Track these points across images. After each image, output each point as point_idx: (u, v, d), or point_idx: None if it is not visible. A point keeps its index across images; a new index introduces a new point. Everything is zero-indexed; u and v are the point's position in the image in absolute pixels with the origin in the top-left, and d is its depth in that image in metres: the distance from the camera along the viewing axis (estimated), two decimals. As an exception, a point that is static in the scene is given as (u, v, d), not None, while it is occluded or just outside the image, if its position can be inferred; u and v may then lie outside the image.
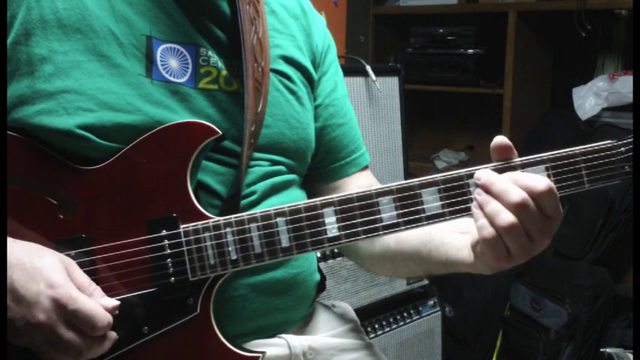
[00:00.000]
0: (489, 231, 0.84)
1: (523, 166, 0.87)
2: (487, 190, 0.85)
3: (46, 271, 0.84)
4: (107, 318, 0.85)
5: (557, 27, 3.03)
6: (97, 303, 0.85)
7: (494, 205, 0.84)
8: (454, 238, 0.99)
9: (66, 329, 0.83)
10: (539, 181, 0.84)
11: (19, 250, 0.85)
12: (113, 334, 0.88)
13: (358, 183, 1.19)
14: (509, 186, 0.84)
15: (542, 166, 0.87)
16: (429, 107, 3.55)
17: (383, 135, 2.22)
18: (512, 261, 0.87)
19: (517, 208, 0.82)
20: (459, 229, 0.98)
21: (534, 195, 0.83)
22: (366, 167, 1.23)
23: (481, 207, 0.85)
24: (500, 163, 0.88)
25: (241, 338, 1.00)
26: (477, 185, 0.86)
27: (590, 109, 2.75)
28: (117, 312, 0.88)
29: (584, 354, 2.53)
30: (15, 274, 0.83)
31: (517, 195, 0.83)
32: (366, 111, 2.16)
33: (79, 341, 0.84)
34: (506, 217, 0.83)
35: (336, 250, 1.92)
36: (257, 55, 1.02)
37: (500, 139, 0.88)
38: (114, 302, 0.88)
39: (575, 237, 2.63)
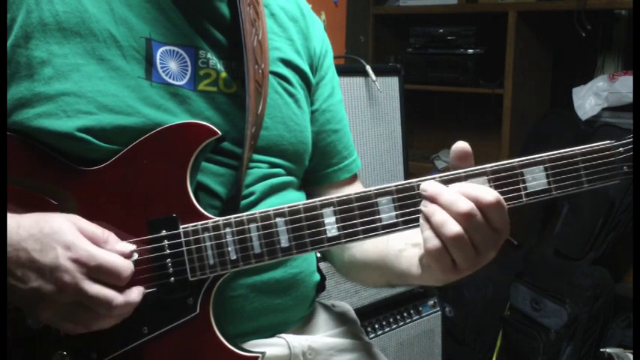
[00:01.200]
0: (435, 242, 0.84)
1: (522, 167, 0.88)
2: (434, 201, 0.85)
3: (58, 235, 0.84)
4: (129, 265, 0.87)
5: (557, 27, 3.03)
6: (115, 252, 0.87)
7: (440, 215, 0.84)
8: (407, 251, 1.00)
9: (92, 284, 0.84)
10: (487, 192, 0.84)
11: (25, 222, 0.86)
12: (140, 288, 0.90)
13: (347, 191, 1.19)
14: (457, 197, 0.84)
15: (541, 167, 0.88)
16: (429, 107, 3.55)
17: (383, 135, 2.22)
18: (458, 272, 0.88)
19: (464, 218, 0.83)
20: (412, 241, 0.99)
21: (481, 206, 0.83)
22: (355, 176, 1.24)
23: (427, 218, 0.85)
24: (499, 163, 0.88)
25: (241, 338, 1.00)
26: (424, 197, 0.86)
27: (590, 109, 2.75)
28: (136, 254, 0.90)
29: (584, 354, 2.53)
30: (29, 245, 0.84)
31: (465, 205, 0.83)
32: (366, 111, 2.16)
33: (107, 293, 0.85)
34: (453, 228, 0.83)
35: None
36: (257, 57, 1.02)
37: (461, 145, 0.88)
38: (130, 247, 0.90)
39: (575, 237, 2.64)
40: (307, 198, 0.95)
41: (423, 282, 0.98)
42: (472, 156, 0.88)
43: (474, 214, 0.83)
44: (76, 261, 0.84)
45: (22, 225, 0.85)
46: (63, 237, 0.84)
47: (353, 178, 1.24)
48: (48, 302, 0.85)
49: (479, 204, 0.83)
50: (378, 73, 2.16)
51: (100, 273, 0.85)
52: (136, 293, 0.88)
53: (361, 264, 1.13)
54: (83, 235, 0.86)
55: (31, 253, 0.84)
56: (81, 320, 0.86)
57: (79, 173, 0.93)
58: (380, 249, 1.06)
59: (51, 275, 0.83)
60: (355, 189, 1.20)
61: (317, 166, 1.18)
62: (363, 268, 1.14)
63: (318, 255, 1.60)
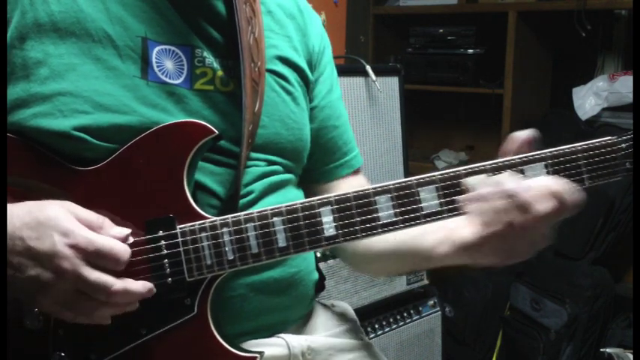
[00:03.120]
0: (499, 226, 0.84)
1: (522, 164, 0.87)
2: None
3: (54, 222, 0.84)
4: (126, 249, 0.87)
5: (557, 27, 3.02)
6: (111, 236, 0.87)
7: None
8: (435, 232, 0.99)
9: (92, 270, 0.84)
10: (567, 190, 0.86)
11: (18, 211, 0.85)
12: (146, 283, 0.89)
13: (352, 185, 1.18)
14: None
15: (542, 164, 0.87)
16: (429, 107, 3.54)
17: (383, 135, 2.22)
18: (512, 259, 0.88)
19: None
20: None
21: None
22: (358, 170, 1.23)
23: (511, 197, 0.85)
24: (499, 160, 0.88)
25: (240, 338, 1.00)
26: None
27: (590, 109, 2.75)
28: (131, 238, 0.89)
29: (584, 354, 2.53)
30: (25, 233, 0.83)
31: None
32: (366, 111, 2.16)
33: (106, 279, 0.85)
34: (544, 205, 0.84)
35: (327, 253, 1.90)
36: (254, 55, 1.02)
37: (525, 134, 0.88)
38: (125, 230, 0.89)
39: (575, 237, 2.63)
40: (309, 196, 0.95)
41: (450, 262, 0.97)
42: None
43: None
44: (74, 247, 0.83)
45: (14, 214, 0.85)
46: (59, 224, 0.84)
47: (356, 175, 1.22)
48: (47, 290, 0.84)
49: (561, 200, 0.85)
50: (378, 73, 2.16)
51: (98, 258, 0.84)
52: (139, 284, 0.88)
53: (377, 252, 1.10)
54: (79, 221, 0.86)
55: (27, 241, 0.83)
56: (81, 308, 0.86)
57: (75, 173, 0.92)
58: (401, 235, 1.03)
59: (49, 262, 0.83)
60: (357, 183, 1.19)
61: (318, 163, 1.17)
62: (379, 257, 1.12)
63: (318, 254, 1.60)
